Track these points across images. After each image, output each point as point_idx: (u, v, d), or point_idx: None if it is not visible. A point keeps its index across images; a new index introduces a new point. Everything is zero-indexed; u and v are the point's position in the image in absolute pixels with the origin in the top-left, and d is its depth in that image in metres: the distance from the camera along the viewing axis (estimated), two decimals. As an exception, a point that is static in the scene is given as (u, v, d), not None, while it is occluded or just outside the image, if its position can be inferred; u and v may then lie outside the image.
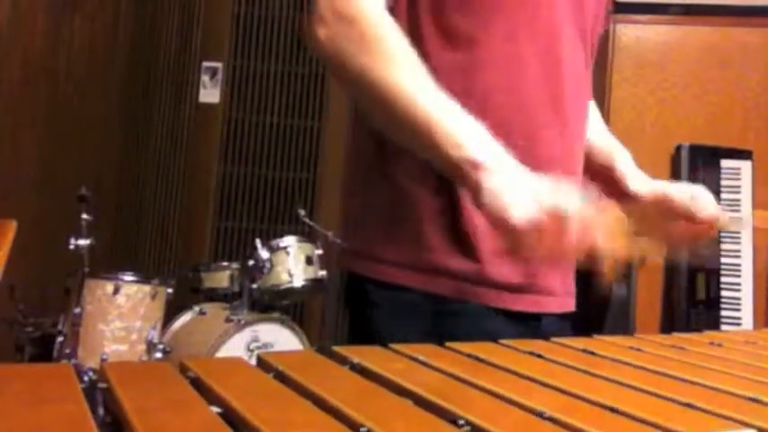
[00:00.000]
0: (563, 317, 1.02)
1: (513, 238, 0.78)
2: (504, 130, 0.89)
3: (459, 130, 0.83)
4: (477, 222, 0.93)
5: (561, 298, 1.01)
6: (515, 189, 0.79)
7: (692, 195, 1.04)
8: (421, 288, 0.94)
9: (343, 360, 0.63)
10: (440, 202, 0.95)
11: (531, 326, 0.96)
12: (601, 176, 1.14)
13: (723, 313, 2.89)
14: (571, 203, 0.77)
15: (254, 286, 2.87)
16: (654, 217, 1.07)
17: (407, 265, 0.95)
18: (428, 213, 0.95)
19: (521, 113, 0.96)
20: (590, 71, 1.07)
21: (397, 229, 0.97)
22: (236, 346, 2.68)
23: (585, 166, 1.08)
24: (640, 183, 1.12)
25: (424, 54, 0.91)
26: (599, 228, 0.78)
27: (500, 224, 0.78)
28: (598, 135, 1.18)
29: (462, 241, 0.94)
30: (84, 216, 2.44)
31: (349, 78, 0.89)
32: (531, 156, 0.89)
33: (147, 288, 2.60)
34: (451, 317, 0.93)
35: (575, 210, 0.77)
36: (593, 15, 1.04)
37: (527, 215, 0.76)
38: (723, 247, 2.93)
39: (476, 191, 0.81)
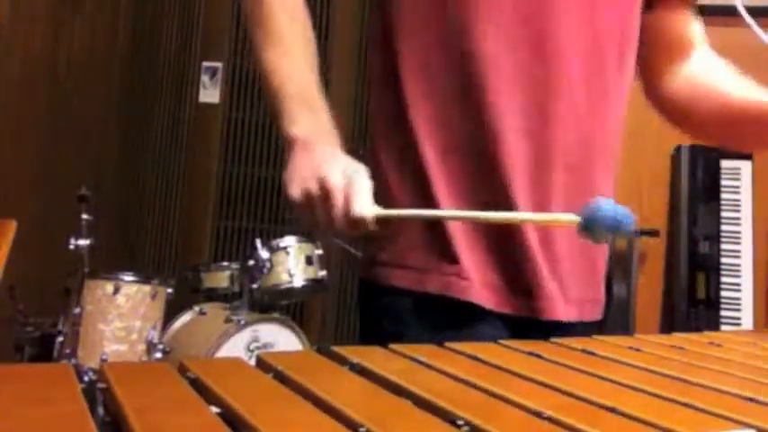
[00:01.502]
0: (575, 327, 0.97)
1: (297, 210, 0.87)
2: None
3: (294, 104, 0.93)
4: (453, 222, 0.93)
5: (562, 304, 0.96)
6: (302, 166, 0.88)
7: None
8: (409, 287, 0.94)
9: (342, 360, 0.63)
10: (416, 199, 0.95)
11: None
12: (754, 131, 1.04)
13: (723, 313, 2.89)
14: (339, 175, 0.84)
15: (254, 286, 2.87)
16: None
17: (398, 265, 0.95)
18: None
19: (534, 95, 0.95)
20: (624, 66, 1.04)
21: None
22: (236, 347, 2.68)
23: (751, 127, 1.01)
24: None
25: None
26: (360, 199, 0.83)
27: (287, 198, 0.88)
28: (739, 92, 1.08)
29: (441, 240, 0.94)
30: (84, 216, 2.44)
31: (251, 33, 1.00)
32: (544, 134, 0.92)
33: (147, 288, 2.60)
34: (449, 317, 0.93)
35: (338, 182, 0.84)
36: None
37: (300, 190, 0.86)
38: (723, 247, 2.93)
39: (286, 163, 0.91)
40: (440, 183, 0.94)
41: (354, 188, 0.84)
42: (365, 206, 0.84)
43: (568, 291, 0.98)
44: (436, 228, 0.94)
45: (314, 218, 0.87)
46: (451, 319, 0.93)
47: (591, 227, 0.76)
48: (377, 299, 0.98)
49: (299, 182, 0.87)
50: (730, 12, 3.22)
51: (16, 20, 3.17)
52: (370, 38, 1.08)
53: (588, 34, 0.98)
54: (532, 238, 0.94)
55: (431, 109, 0.95)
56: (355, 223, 0.84)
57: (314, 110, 0.93)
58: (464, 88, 0.93)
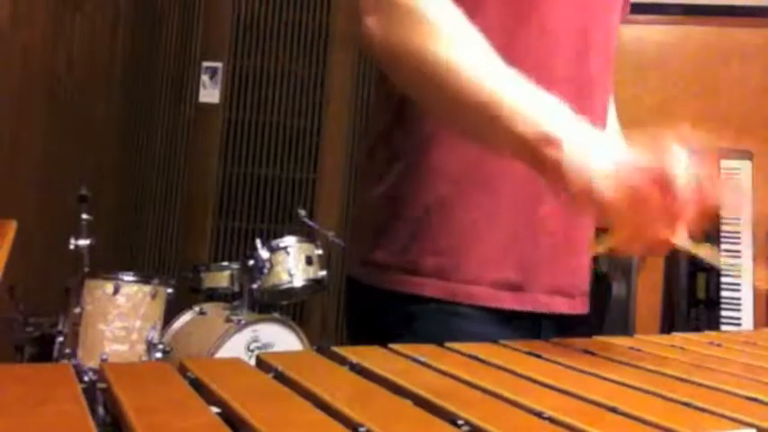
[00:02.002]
0: (567, 322, 0.98)
1: (610, 215, 0.69)
2: None
3: (531, 105, 0.74)
4: (459, 218, 0.92)
5: (551, 297, 0.96)
6: (600, 160, 0.69)
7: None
8: (410, 291, 0.93)
9: (342, 360, 0.63)
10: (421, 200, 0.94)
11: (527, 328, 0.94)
12: None
13: (723, 313, 2.89)
14: (678, 163, 0.66)
15: (254, 286, 2.87)
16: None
17: (397, 267, 0.95)
18: (415, 213, 0.94)
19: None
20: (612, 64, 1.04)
21: (388, 231, 0.96)
22: (236, 347, 2.68)
23: None
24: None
25: None
26: (718, 189, 0.67)
27: (589, 203, 0.69)
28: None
29: (443, 240, 0.93)
30: (84, 216, 2.44)
31: (405, 65, 0.82)
32: None
33: (147, 288, 2.61)
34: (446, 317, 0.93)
35: (683, 170, 0.66)
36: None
37: (619, 185, 0.67)
38: (723, 247, 2.93)
39: (554, 170, 0.71)
40: None
41: (704, 175, 0.67)
42: (723, 199, 0.70)
43: (583, 284, 1.00)
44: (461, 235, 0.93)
45: (644, 218, 0.68)
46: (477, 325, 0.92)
47: None
48: (396, 306, 0.96)
49: (612, 177, 0.68)
50: (730, 12, 3.22)
51: (16, 20, 3.17)
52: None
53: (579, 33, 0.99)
54: (557, 233, 0.96)
55: None
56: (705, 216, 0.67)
57: (555, 107, 0.75)
58: None
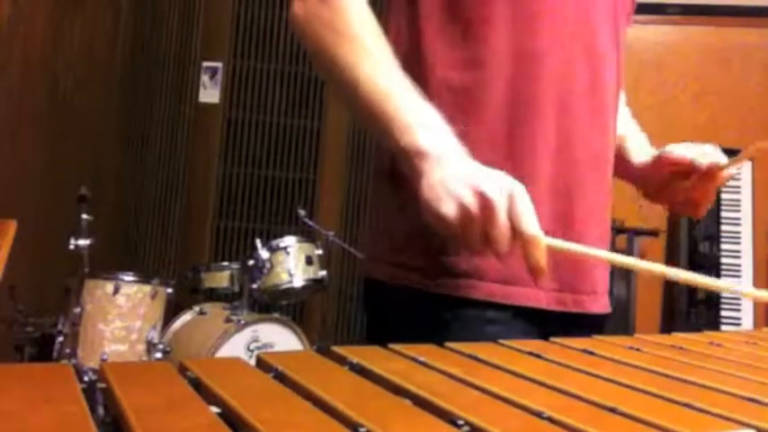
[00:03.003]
0: (594, 322, 1.00)
1: (446, 229, 0.79)
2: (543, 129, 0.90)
3: (411, 117, 0.83)
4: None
5: (588, 296, 0.98)
6: (451, 180, 0.78)
7: (692, 151, 1.01)
8: (446, 293, 0.93)
9: (342, 360, 0.63)
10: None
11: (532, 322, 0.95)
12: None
13: (723, 313, 2.89)
14: (498, 191, 0.76)
15: (254, 286, 2.87)
16: (660, 182, 1.05)
17: (410, 266, 0.95)
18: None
19: (561, 113, 0.96)
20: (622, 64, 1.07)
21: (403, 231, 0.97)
22: (236, 347, 2.68)
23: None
24: (644, 155, 1.10)
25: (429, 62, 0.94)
26: (526, 216, 0.76)
27: (432, 216, 0.79)
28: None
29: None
30: (84, 216, 2.45)
31: (318, 58, 0.92)
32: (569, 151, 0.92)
33: (147, 288, 2.61)
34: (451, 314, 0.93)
35: (501, 197, 0.75)
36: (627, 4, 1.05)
37: (455, 205, 0.77)
38: (723, 247, 2.94)
39: (417, 178, 0.81)
40: None
41: (520, 205, 0.76)
42: (534, 225, 0.76)
43: (604, 282, 1.03)
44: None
45: (470, 236, 0.78)
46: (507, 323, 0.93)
47: None
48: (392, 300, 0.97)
49: (451, 196, 0.77)
50: (730, 12, 3.22)
51: (16, 20, 3.17)
52: None
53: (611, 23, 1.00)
54: (587, 234, 0.97)
55: None
56: (524, 243, 0.76)
57: (432, 125, 0.84)
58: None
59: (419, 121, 0.83)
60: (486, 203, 0.76)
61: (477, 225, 0.77)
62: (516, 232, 0.76)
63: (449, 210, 0.77)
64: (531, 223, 0.76)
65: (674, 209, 1.08)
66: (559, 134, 0.95)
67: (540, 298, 0.94)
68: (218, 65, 4.03)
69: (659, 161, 1.04)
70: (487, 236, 0.77)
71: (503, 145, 0.94)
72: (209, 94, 4.03)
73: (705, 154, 0.99)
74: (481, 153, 0.93)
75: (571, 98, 0.96)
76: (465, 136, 0.90)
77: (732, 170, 1.00)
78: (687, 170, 1.00)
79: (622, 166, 1.11)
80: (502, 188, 0.76)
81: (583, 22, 0.97)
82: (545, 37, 0.94)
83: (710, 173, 1.00)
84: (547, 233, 0.93)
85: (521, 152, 0.94)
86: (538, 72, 0.94)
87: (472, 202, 0.76)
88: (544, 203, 0.94)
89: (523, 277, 0.93)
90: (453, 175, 0.79)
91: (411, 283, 0.95)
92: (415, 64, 0.94)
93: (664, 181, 1.04)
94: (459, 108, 0.94)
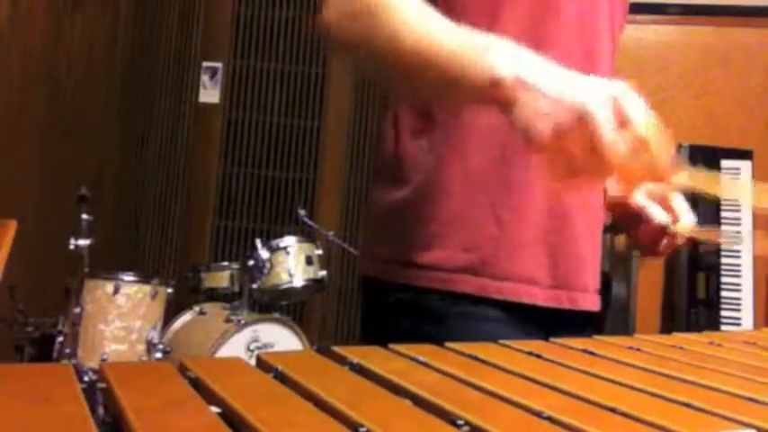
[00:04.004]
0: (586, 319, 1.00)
1: (542, 153, 0.71)
2: None
3: (485, 52, 0.76)
4: (449, 206, 0.93)
5: (546, 289, 0.97)
6: (540, 99, 0.71)
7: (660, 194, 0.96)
8: (442, 288, 0.94)
9: (342, 360, 0.63)
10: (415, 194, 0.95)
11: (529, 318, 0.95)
12: None
13: (723, 313, 2.89)
14: (596, 96, 0.67)
15: (254, 286, 2.87)
16: (617, 217, 1.03)
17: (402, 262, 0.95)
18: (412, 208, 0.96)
19: None
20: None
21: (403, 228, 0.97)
22: (236, 346, 2.68)
23: None
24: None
25: None
26: (651, 144, 0.66)
27: (531, 145, 0.72)
28: None
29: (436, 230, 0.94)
30: (84, 216, 2.44)
31: (364, 50, 0.86)
32: None
33: (147, 288, 2.61)
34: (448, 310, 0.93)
35: (600, 103, 0.66)
36: (620, 11, 1.05)
37: (549, 125, 0.69)
38: (723, 247, 2.93)
39: (508, 111, 0.74)
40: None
41: (626, 106, 0.67)
42: (653, 125, 0.66)
43: (596, 280, 1.02)
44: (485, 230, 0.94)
45: (571, 158, 0.69)
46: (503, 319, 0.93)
47: None
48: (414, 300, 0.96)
49: (542, 116, 0.70)
50: (730, 12, 3.22)
51: (16, 20, 3.17)
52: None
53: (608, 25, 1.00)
54: (581, 231, 0.97)
55: None
56: (642, 150, 0.67)
57: (507, 48, 0.76)
58: None
59: (491, 52, 0.76)
60: (585, 115, 0.67)
61: (581, 144, 0.68)
62: (632, 141, 0.67)
63: (543, 131, 0.70)
64: (646, 125, 0.67)
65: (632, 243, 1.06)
66: None
67: (535, 294, 0.94)
68: (218, 65, 4.03)
69: (619, 201, 1.01)
70: (600, 156, 0.68)
71: (496, 147, 0.94)
72: (209, 94, 4.03)
73: (660, 215, 0.94)
74: (475, 157, 0.93)
75: None
76: (462, 140, 0.90)
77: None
78: (644, 218, 0.96)
79: None
80: (602, 93, 0.69)
81: (584, 26, 0.98)
82: (548, 41, 0.94)
83: (667, 231, 0.95)
84: (538, 227, 0.93)
85: (516, 149, 0.94)
86: None
87: (570, 118, 0.69)
88: (536, 196, 0.94)
89: (518, 272, 0.93)
90: (542, 92, 0.72)
91: (403, 279, 0.95)
92: None
93: (623, 216, 1.02)
94: (456, 111, 0.94)
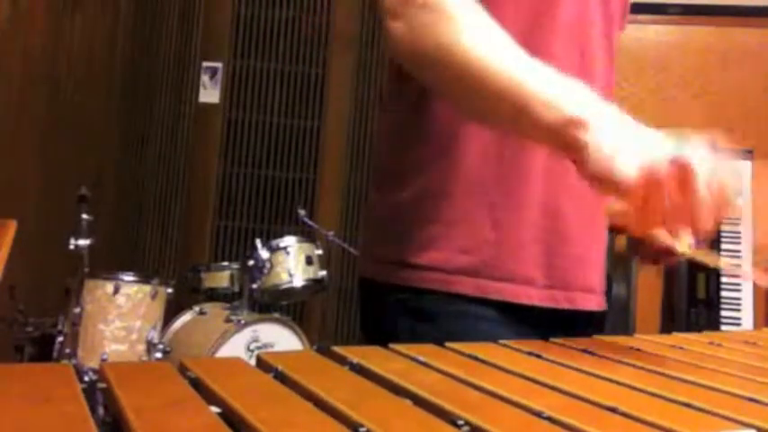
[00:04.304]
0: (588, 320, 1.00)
1: (626, 197, 0.70)
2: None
3: (555, 90, 0.76)
4: (446, 213, 0.93)
5: (543, 289, 0.97)
6: (623, 143, 0.70)
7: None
8: (442, 289, 0.94)
9: (342, 360, 0.63)
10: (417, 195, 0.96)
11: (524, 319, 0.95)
12: None
13: (723, 313, 2.89)
14: (699, 155, 0.66)
15: (254, 286, 2.87)
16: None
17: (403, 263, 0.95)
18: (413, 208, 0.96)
19: None
20: (613, 66, 1.06)
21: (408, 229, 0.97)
22: (236, 347, 2.68)
23: None
24: None
25: None
26: (729, 190, 0.67)
27: (609, 184, 0.71)
28: None
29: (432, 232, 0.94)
30: (84, 216, 2.44)
31: (434, 65, 0.84)
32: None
33: (147, 288, 2.61)
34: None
35: (704, 162, 0.66)
36: (618, 10, 1.05)
37: (639, 169, 0.68)
38: (723, 247, 2.93)
39: (578, 152, 0.73)
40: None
41: (720, 174, 0.66)
42: (735, 195, 0.67)
43: (599, 280, 1.02)
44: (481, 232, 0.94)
45: (654, 205, 0.69)
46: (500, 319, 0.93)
47: None
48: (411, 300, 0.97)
49: (633, 160, 0.69)
50: (730, 12, 3.22)
51: (16, 20, 3.17)
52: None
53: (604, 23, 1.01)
54: (579, 231, 0.97)
55: None
56: (701, 227, 0.67)
57: (574, 91, 0.77)
58: None
59: (559, 92, 0.76)
60: (688, 173, 0.66)
61: (665, 192, 0.67)
62: (717, 207, 0.66)
63: (632, 175, 0.69)
64: (731, 198, 0.67)
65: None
66: None
67: (531, 294, 0.94)
68: (218, 65, 4.03)
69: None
70: (677, 207, 0.67)
71: (494, 149, 0.94)
72: (209, 94, 4.03)
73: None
74: (473, 159, 0.93)
75: None
76: (457, 145, 0.90)
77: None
78: None
79: None
80: (697, 154, 0.67)
81: (577, 23, 0.98)
82: (543, 39, 0.95)
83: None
84: (535, 227, 0.93)
85: (512, 149, 0.94)
86: None
87: (661, 167, 0.67)
88: (532, 198, 0.95)
89: (515, 273, 0.93)
90: (627, 137, 0.71)
91: (401, 281, 0.96)
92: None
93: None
94: (451, 113, 0.94)
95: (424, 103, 0.96)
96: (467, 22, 0.82)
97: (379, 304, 1.00)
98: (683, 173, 0.67)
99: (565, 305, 0.97)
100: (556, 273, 0.96)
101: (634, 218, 0.71)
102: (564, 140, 0.75)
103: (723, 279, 2.91)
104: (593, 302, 1.01)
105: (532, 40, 0.92)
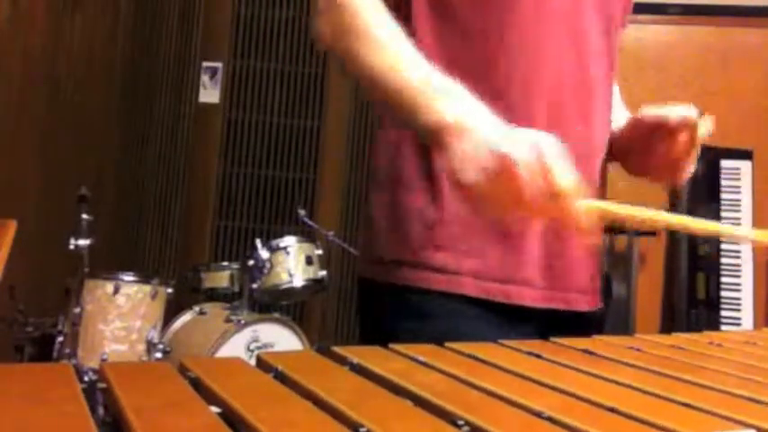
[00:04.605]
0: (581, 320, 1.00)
1: (468, 198, 0.77)
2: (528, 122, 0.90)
3: (434, 95, 0.83)
4: (450, 209, 0.94)
5: (542, 291, 0.97)
6: (474, 147, 0.76)
7: (663, 110, 0.98)
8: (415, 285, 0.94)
9: (342, 360, 0.63)
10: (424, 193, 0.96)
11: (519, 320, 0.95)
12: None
13: (723, 313, 2.89)
14: (522, 148, 0.72)
15: (254, 286, 2.87)
16: (640, 148, 1.03)
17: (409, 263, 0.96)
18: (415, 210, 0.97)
19: (546, 105, 0.96)
20: (615, 63, 1.06)
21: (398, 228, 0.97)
22: (236, 346, 2.68)
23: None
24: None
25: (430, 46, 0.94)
26: (565, 190, 0.71)
27: (460, 189, 0.77)
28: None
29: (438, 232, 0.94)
30: (84, 216, 2.44)
31: (347, 64, 0.92)
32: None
33: (147, 288, 2.61)
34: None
35: (525, 154, 0.71)
36: (617, 6, 1.05)
37: (477, 172, 0.74)
38: (723, 247, 2.94)
39: (445, 156, 0.80)
40: None
41: (547, 158, 0.71)
42: (566, 176, 0.71)
43: (594, 280, 1.03)
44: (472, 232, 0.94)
45: (498, 201, 0.75)
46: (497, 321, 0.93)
47: None
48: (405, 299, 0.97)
49: (472, 163, 0.75)
50: (730, 12, 3.22)
51: (16, 20, 3.17)
52: None
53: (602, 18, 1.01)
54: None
55: None
56: (559, 198, 0.71)
57: (453, 95, 0.83)
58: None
59: (441, 97, 0.83)
60: (507, 163, 0.72)
61: (502, 189, 0.73)
62: (549, 189, 0.71)
63: (471, 177, 0.75)
64: (562, 176, 0.71)
65: (657, 179, 1.07)
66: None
67: (526, 295, 0.95)
68: (218, 65, 4.03)
69: (634, 125, 1.03)
70: (518, 200, 0.72)
71: None
72: (209, 94, 4.03)
73: (676, 111, 0.97)
74: None
75: (561, 95, 0.96)
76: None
77: (705, 128, 0.98)
78: (662, 131, 0.98)
79: (610, 145, 1.10)
80: (526, 144, 0.72)
81: (572, 19, 0.98)
82: (535, 36, 0.95)
83: (684, 130, 0.97)
84: (538, 233, 0.93)
85: None
86: (528, 70, 0.95)
87: (494, 165, 0.73)
88: None
89: (509, 274, 0.93)
90: (477, 142, 0.77)
91: (400, 281, 0.96)
92: None
93: (643, 147, 1.02)
94: None
95: None
96: (368, 25, 0.90)
97: (379, 304, 1.00)
98: (508, 166, 0.72)
99: (561, 306, 0.97)
100: (554, 274, 0.96)
101: (486, 207, 0.77)
102: (437, 141, 0.81)
103: (723, 279, 2.91)
104: (588, 302, 1.01)
105: (527, 31, 0.93)
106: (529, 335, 0.86)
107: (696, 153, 1.00)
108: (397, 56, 0.88)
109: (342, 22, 0.92)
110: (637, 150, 1.04)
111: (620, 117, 1.14)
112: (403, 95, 0.85)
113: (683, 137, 0.97)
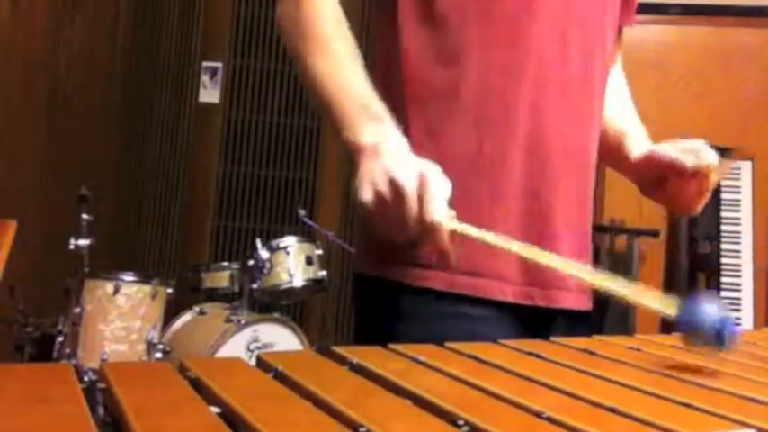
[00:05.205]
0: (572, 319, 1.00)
1: (368, 217, 0.82)
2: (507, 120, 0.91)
3: (358, 114, 0.88)
4: None
5: (519, 287, 0.97)
6: (374, 170, 0.82)
7: (682, 149, 0.99)
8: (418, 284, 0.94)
9: (342, 360, 0.63)
10: None
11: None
12: (610, 157, 1.12)
13: (723, 313, 2.88)
14: (410, 176, 0.78)
15: (254, 286, 2.87)
16: (653, 179, 1.03)
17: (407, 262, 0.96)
18: None
19: (527, 99, 0.96)
20: (607, 59, 1.06)
21: None
22: (236, 347, 2.68)
23: (600, 147, 1.06)
24: (639, 151, 1.08)
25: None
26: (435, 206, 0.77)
27: (358, 205, 0.83)
28: (615, 118, 1.16)
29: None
30: (84, 216, 2.44)
31: (293, 59, 0.98)
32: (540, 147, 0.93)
33: (147, 288, 2.61)
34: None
35: (412, 182, 0.78)
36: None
37: (371, 193, 0.81)
38: (723, 247, 2.93)
39: (352, 171, 0.86)
40: None
41: (428, 191, 0.77)
42: (439, 211, 0.77)
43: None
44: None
45: (386, 222, 0.81)
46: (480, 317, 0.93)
47: (689, 330, 0.69)
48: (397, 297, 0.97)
49: (369, 184, 0.82)
50: (730, 12, 3.22)
51: (16, 20, 3.18)
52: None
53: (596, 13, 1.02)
54: (562, 231, 0.97)
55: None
56: (427, 229, 0.78)
57: (378, 119, 0.88)
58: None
59: (365, 118, 0.88)
60: (396, 189, 0.78)
61: (389, 211, 0.79)
62: (422, 217, 0.77)
63: (366, 197, 0.81)
64: (434, 209, 0.77)
65: (669, 206, 1.09)
66: (532, 131, 0.96)
67: (505, 291, 0.94)
68: (218, 65, 4.03)
69: (650, 159, 1.03)
70: (401, 224, 0.79)
71: (474, 142, 0.94)
72: (209, 94, 4.03)
73: (691, 151, 0.98)
74: (453, 149, 0.94)
75: (545, 93, 0.96)
76: (437, 131, 0.94)
77: (724, 169, 1.00)
78: (676, 169, 0.99)
79: (621, 162, 1.11)
80: (415, 174, 0.78)
81: (562, 15, 0.98)
82: (521, 31, 0.95)
83: (699, 171, 0.98)
84: (518, 229, 0.93)
85: (491, 149, 0.94)
86: (512, 67, 0.95)
87: (385, 189, 0.79)
88: (515, 200, 0.95)
89: (488, 269, 0.93)
90: (378, 165, 0.82)
91: (374, 273, 0.98)
92: (394, 62, 0.98)
93: (656, 178, 1.03)
94: (434, 105, 0.96)
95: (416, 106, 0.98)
96: (318, 27, 0.96)
97: (366, 299, 1.02)
98: (396, 191, 0.78)
99: (541, 303, 0.96)
100: (532, 269, 0.95)
101: (381, 227, 0.82)
102: (351, 161, 0.88)
103: (723, 279, 2.91)
104: (573, 301, 1.00)
105: (515, 24, 0.93)
106: (512, 333, 0.87)
107: (708, 195, 1.02)
108: (335, 64, 0.92)
109: (293, 16, 0.98)
110: (649, 180, 1.05)
111: (631, 128, 1.13)
112: (336, 107, 0.90)
113: (696, 182, 0.99)
